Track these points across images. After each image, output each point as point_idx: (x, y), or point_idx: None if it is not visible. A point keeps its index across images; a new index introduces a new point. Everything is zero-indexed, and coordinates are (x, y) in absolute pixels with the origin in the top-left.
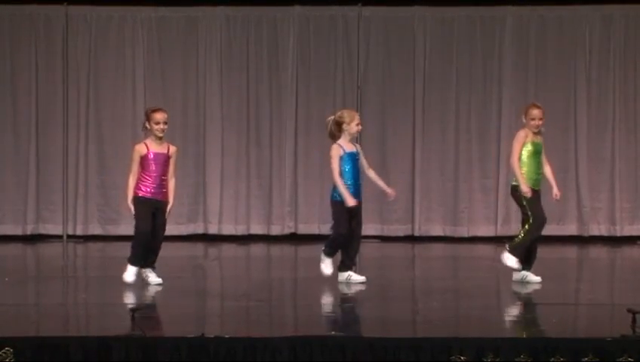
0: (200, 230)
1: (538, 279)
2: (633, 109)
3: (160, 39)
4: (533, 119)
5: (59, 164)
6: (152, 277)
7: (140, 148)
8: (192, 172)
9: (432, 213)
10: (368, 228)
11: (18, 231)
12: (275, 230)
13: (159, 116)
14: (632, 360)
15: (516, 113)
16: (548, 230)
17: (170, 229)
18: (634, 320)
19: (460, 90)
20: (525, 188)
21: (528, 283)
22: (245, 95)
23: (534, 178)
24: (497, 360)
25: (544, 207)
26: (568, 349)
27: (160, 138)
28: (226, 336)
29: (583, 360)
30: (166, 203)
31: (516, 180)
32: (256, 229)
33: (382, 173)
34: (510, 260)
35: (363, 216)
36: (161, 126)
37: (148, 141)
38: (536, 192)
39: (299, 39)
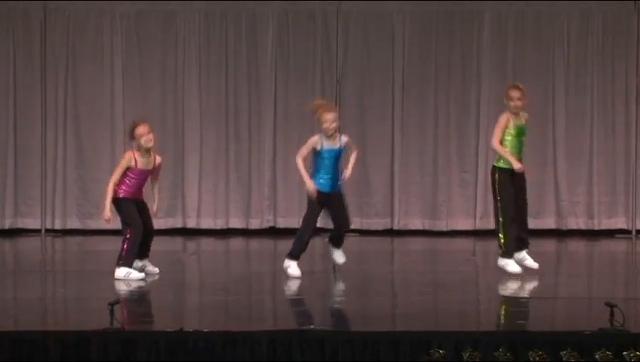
0: (179, 224)
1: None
2: (611, 104)
3: (138, 34)
4: (512, 100)
5: (37, 158)
6: (150, 267)
7: (130, 159)
8: (171, 166)
9: (410, 207)
10: None
11: None
12: (254, 224)
13: (142, 129)
14: (610, 353)
15: (495, 107)
16: None
17: None
18: (612, 314)
19: (438, 85)
20: (517, 165)
21: (525, 266)
22: (224, 90)
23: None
24: (476, 353)
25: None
26: (547, 343)
27: (148, 150)
28: (205, 330)
29: (562, 353)
30: (145, 202)
31: (497, 160)
32: (235, 223)
33: (361, 166)
34: (510, 266)
35: None
36: (150, 136)
37: (137, 154)
38: (513, 175)
39: (277, 34)
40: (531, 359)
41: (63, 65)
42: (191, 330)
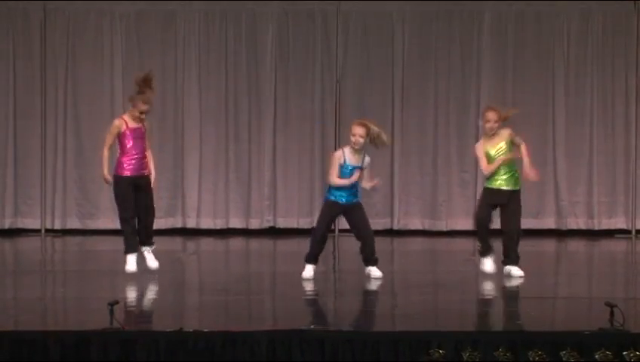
0: (178, 224)
1: (520, 273)
2: (611, 104)
3: (138, 34)
4: (487, 121)
5: (37, 158)
6: (149, 260)
7: (120, 124)
8: (171, 166)
9: (410, 207)
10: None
11: None
12: (254, 224)
13: (148, 97)
14: (609, 353)
15: None
16: (526, 223)
17: None
18: (612, 314)
19: (438, 85)
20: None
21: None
22: (224, 89)
23: (497, 179)
24: (476, 353)
25: (523, 201)
26: (547, 343)
27: (142, 117)
28: (205, 330)
29: (562, 353)
30: (148, 176)
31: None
32: (235, 223)
33: None
34: (514, 270)
35: None
36: (148, 108)
37: (126, 117)
38: (495, 192)
39: (277, 34)
40: (531, 359)
41: (62, 65)
42: (191, 330)
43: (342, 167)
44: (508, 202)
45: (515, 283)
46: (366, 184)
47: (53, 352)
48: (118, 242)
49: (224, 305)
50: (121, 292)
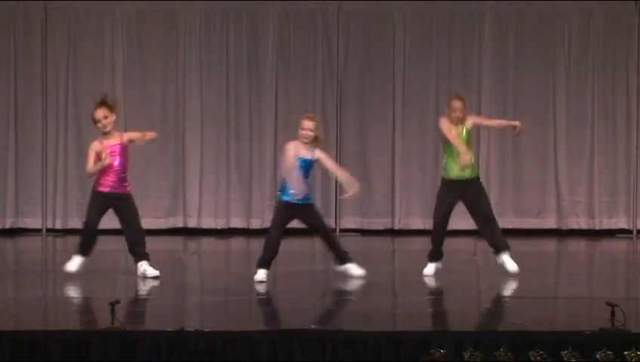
0: (179, 224)
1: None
2: (612, 104)
3: (139, 34)
4: (454, 110)
5: (38, 158)
6: (149, 270)
7: (96, 144)
8: (172, 166)
9: (411, 207)
10: (348, 222)
11: None
12: (255, 224)
13: (96, 115)
14: (610, 353)
15: (496, 107)
16: (527, 223)
17: (150, 223)
18: (613, 314)
19: (439, 85)
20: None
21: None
22: (225, 89)
23: (455, 168)
24: (477, 353)
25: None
26: (547, 343)
27: (105, 133)
28: (206, 330)
29: (562, 353)
30: (126, 194)
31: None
32: (236, 223)
33: (362, 166)
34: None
35: (342, 208)
36: (102, 123)
37: (99, 138)
38: (453, 183)
39: (278, 34)
40: (532, 359)
41: (63, 65)
42: (192, 330)
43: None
44: (470, 191)
45: (515, 283)
46: (345, 195)
47: (54, 352)
48: (119, 242)
49: (225, 305)
50: (122, 292)
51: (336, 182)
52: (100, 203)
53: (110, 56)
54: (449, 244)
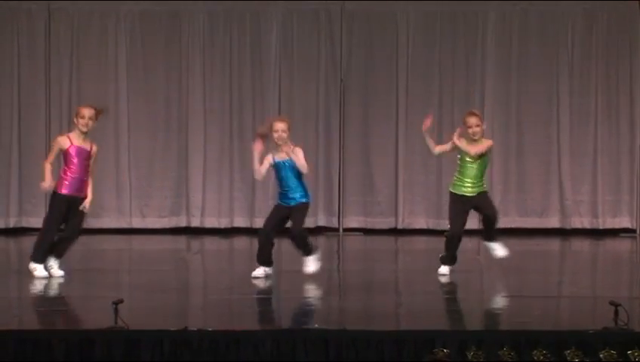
0: (183, 223)
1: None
2: (615, 103)
3: (142, 34)
4: (469, 126)
5: (41, 157)
6: (55, 269)
7: (63, 140)
8: (175, 165)
9: (415, 206)
10: (352, 221)
11: (1, 225)
12: (258, 223)
13: (84, 111)
14: (614, 352)
15: (499, 107)
16: (530, 222)
17: (153, 222)
18: (616, 313)
19: (442, 84)
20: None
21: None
22: (228, 89)
23: (461, 184)
24: (480, 352)
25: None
26: (551, 342)
27: (84, 133)
28: (209, 329)
29: (566, 352)
30: (84, 198)
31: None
32: (239, 222)
33: (365, 166)
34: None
35: (346, 207)
36: (85, 120)
37: (71, 135)
38: (461, 199)
39: (282, 34)
40: (535, 358)
41: (67, 64)
42: (195, 329)
43: (272, 165)
44: (478, 202)
45: (518, 282)
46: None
47: (57, 351)
48: (123, 241)
49: (228, 305)
50: (125, 292)
51: (339, 181)
52: (62, 207)
53: (113, 55)
54: None
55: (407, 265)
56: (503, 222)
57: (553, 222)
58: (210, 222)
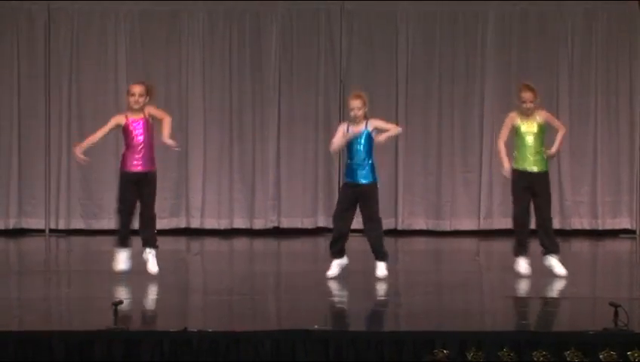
0: (182, 224)
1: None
2: (615, 104)
3: (142, 33)
4: (523, 102)
5: (41, 158)
6: (150, 263)
7: (119, 117)
8: (175, 166)
9: (414, 207)
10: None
11: (0, 226)
12: (258, 224)
13: (133, 88)
14: (614, 353)
15: (499, 107)
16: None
17: None
18: (616, 314)
19: (442, 85)
20: (505, 166)
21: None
22: (228, 89)
23: (527, 159)
24: (480, 353)
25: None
26: (551, 343)
27: (134, 109)
28: (209, 330)
29: (566, 353)
30: (152, 172)
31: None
32: (239, 223)
33: None
34: (516, 264)
35: None
36: (136, 98)
37: (128, 113)
38: (528, 175)
39: (281, 34)
40: (535, 359)
41: (66, 65)
42: (195, 330)
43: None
44: (538, 187)
45: (518, 283)
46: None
47: (57, 352)
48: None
49: (228, 305)
50: (125, 292)
51: (339, 182)
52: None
53: (113, 55)
54: (452, 244)
55: (407, 266)
56: (502, 223)
57: (553, 223)
58: (210, 223)
